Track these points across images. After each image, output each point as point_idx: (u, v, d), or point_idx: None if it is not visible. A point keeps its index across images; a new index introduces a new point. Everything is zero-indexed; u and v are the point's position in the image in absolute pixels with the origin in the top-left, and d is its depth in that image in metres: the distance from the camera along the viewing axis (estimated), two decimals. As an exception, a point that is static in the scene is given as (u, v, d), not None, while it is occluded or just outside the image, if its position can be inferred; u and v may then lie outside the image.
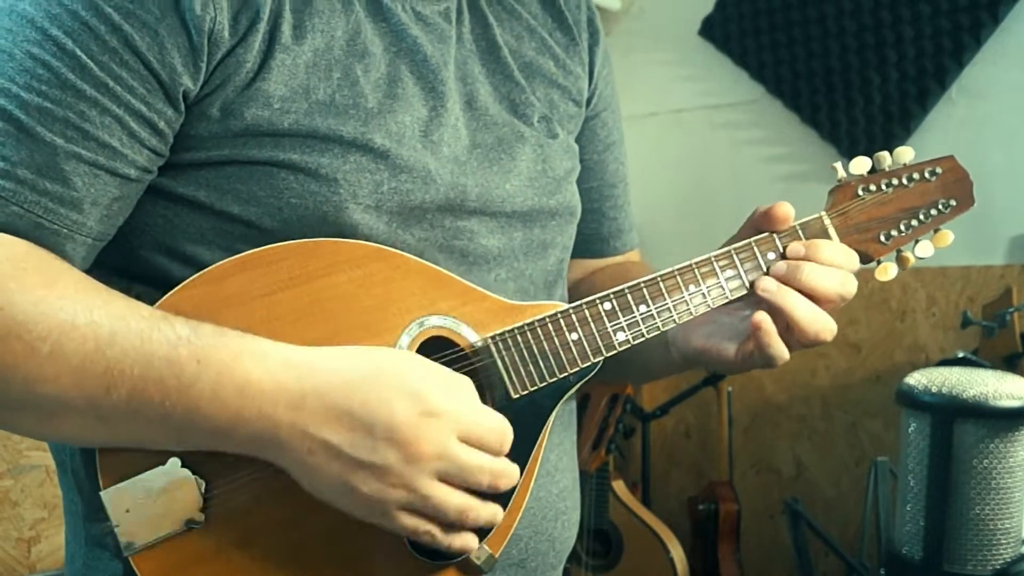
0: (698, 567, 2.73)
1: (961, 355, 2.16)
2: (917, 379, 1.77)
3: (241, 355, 0.72)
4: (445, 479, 0.75)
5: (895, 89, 2.58)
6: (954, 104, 2.53)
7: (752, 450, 2.94)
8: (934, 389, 1.72)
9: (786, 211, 0.95)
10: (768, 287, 0.91)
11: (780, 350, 0.90)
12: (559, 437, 0.99)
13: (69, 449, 0.87)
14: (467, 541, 0.79)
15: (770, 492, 2.89)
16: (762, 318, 0.90)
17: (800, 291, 0.91)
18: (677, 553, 2.61)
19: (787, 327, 0.90)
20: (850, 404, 2.75)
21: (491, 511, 0.79)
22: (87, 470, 0.76)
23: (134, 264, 0.84)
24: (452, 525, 0.77)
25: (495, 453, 0.77)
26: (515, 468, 0.79)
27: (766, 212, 0.96)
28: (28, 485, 2.01)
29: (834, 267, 0.92)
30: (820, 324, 0.90)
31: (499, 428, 0.78)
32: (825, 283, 0.91)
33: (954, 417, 1.69)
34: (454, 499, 0.75)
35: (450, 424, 0.74)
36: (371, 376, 0.74)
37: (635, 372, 1.11)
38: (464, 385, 0.78)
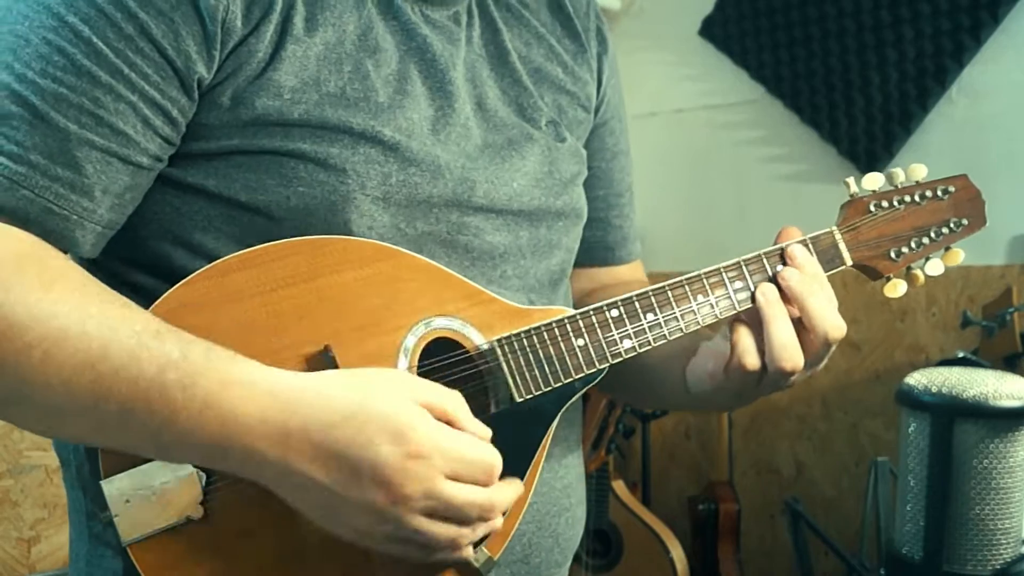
0: (698, 567, 2.73)
1: (961, 355, 2.16)
2: (917, 379, 1.77)
3: (228, 384, 0.71)
4: (434, 516, 0.74)
5: (895, 89, 2.58)
6: (954, 104, 2.53)
7: (752, 450, 2.94)
8: (934, 389, 1.72)
9: (791, 234, 0.96)
10: (766, 293, 0.91)
11: (752, 358, 0.90)
12: (563, 432, 0.99)
13: (72, 444, 0.87)
14: (462, 559, 0.78)
15: (770, 492, 2.89)
16: (741, 323, 0.91)
17: (801, 303, 0.91)
18: (677, 553, 2.61)
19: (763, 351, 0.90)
20: (850, 404, 2.75)
21: (485, 530, 0.78)
22: (89, 463, 0.76)
23: (141, 252, 0.84)
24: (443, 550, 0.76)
25: (484, 485, 0.76)
26: (506, 495, 0.78)
27: (777, 235, 0.97)
28: (28, 485, 2.01)
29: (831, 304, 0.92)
30: (793, 352, 0.90)
31: (487, 459, 0.76)
32: (825, 309, 0.91)
33: (954, 417, 1.69)
34: (444, 531, 0.74)
35: (437, 463, 0.72)
36: (356, 413, 0.72)
37: (652, 396, 1.13)
38: (455, 403, 0.76)
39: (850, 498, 2.72)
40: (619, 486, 2.71)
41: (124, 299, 0.75)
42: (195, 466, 0.76)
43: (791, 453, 2.87)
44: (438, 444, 0.73)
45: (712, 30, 2.93)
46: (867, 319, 2.69)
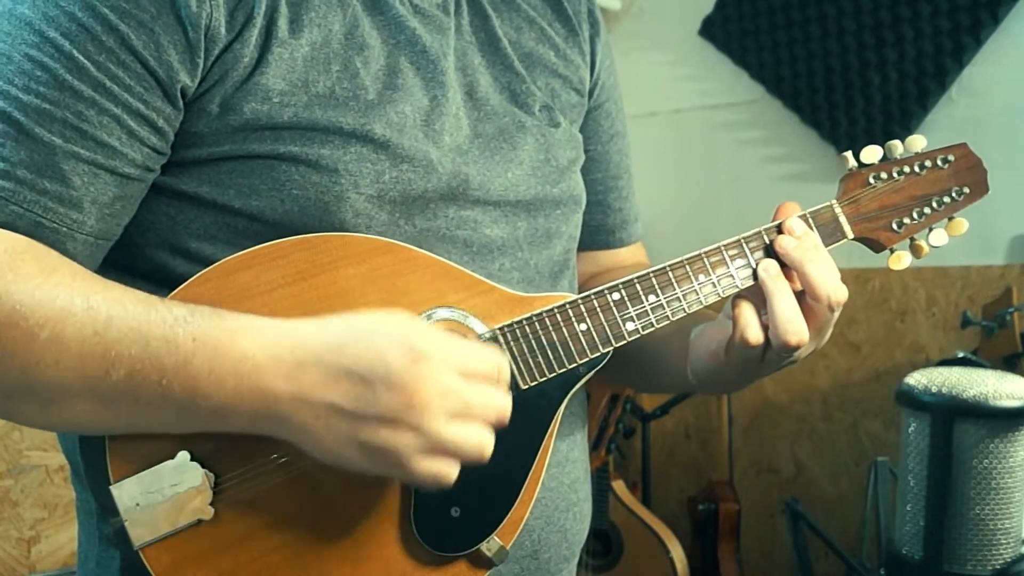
0: (698, 567, 2.72)
1: (961, 355, 2.16)
2: (917, 379, 1.77)
3: (237, 332, 0.73)
4: (456, 417, 0.73)
5: (895, 89, 2.58)
6: (954, 104, 2.53)
7: (752, 450, 2.94)
8: (934, 389, 1.72)
9: (790, 209, 0.95)
10: (768, 268, 0.90)
11: (755, 332, 0.88)
12: (569, 428, 0.99)
13: (79, 447, 0.87)
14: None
15: (770, 492, 2.89)
16: (742, 298, 0.89)
17: (799, 270, 0.89)
18: (677, 553, 2.61)
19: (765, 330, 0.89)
20: (850, 404, 2.75)
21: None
22: (97, 466, 0.76)
23: (139, 261, 0.85)
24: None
25: (495, 385, 0.76)
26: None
27: (776, 211, 0.95)
28: (28, 485, 2.01)
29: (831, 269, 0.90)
30: (798, 325, 0.88)
31: (493, 359, 0.76)
32: (825, 272, 0.89)
33: (954, 417, 1.69)
34: (471, 433, 0.74)
35: (445, 362, 0.73)
36: (362, 333, 0.73)
37: (652, 379, 1.12)
38: (451, 334, 0.77)
39: (850, 498, 2.72)
40: (619, 486, 2.71)
41: (122, 284, 0.76)
42: (204, 466, 0.76)
43: (791, 453, 2.87)
44: (443, 347, 0.74)
45: (712, 30, 2.93)
46: (867, 319, 2.69)
